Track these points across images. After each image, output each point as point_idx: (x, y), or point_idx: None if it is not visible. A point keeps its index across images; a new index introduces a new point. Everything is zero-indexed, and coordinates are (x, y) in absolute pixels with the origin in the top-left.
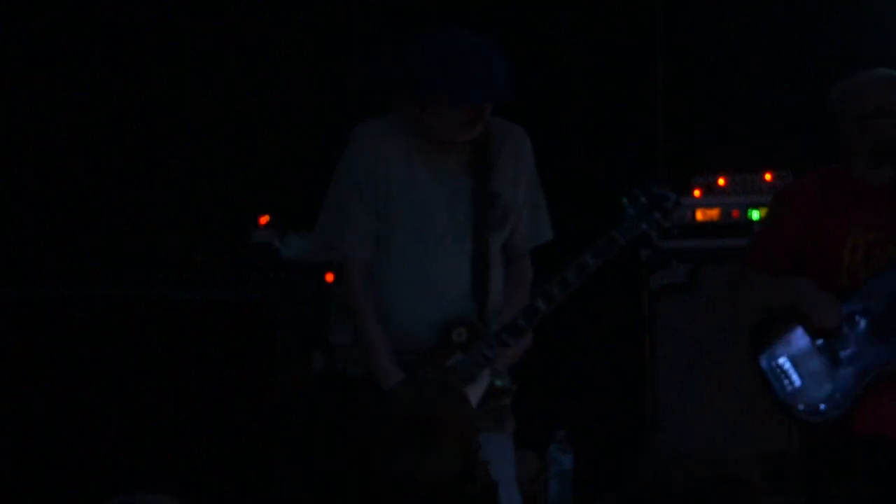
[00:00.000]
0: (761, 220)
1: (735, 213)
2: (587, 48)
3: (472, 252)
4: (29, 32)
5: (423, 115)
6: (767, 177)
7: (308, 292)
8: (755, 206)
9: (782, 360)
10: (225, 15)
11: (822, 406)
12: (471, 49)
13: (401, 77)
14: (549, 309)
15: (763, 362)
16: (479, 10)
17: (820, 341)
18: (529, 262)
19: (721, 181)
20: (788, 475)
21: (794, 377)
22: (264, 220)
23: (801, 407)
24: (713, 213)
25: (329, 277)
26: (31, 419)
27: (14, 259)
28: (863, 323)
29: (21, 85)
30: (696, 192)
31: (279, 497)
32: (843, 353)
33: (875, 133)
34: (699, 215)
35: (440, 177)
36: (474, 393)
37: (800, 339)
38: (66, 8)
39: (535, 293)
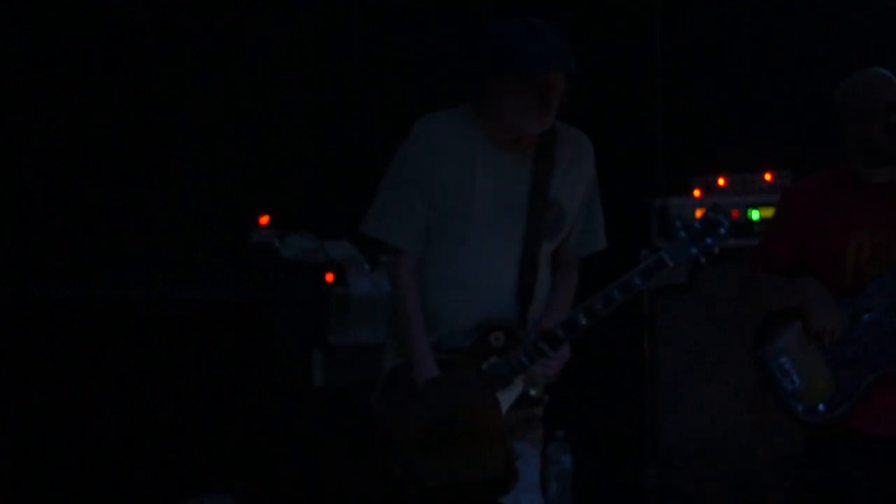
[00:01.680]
0: (767, 222)
1: (735, 213)
2: (587, 48)
3: (521, 257)
4: (29, 32)
5: (495, 99)
6: (767, 177)
7: (308, 292)
8: (755, 206)
9: (783, 359)
10: (225, 15)
11: (820, 406)
12: (541, 27)
13: (476, 57)
14: (590, 324)
15: (764, 360)
16: (478, 10)
17: None
18: (577, 272)
19: (721, 181)
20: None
21: (795, 376)
22: (264, 220)
23: (800, 407)
24: None
25: (329, 277)
26: (32, 419)
27: (14, 259)
28: (868, 323)
29: (21, 85)
30: (696, 192)
31: (279, 497)
32: (846, 354)
33: (860, 132)
34: (699, 215)
35: (498, 178)
36: (506, 398)
37: (801, 337)
38: (66, 8)
39: (577, 307)
